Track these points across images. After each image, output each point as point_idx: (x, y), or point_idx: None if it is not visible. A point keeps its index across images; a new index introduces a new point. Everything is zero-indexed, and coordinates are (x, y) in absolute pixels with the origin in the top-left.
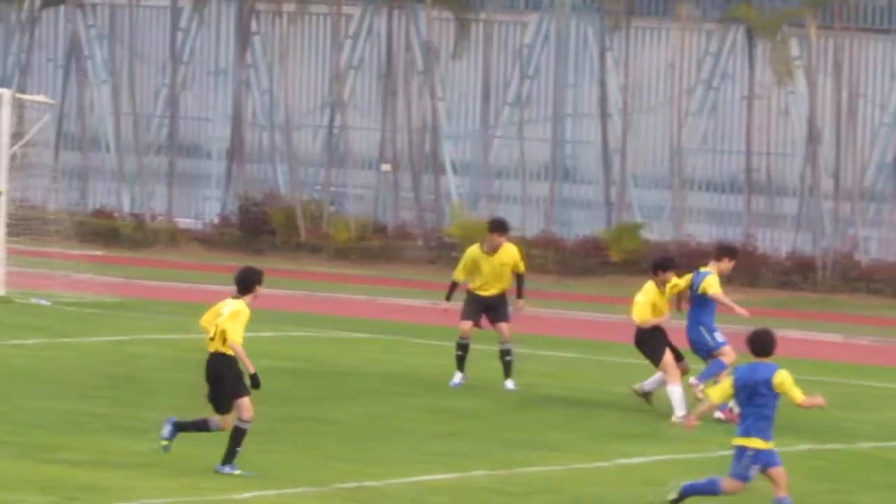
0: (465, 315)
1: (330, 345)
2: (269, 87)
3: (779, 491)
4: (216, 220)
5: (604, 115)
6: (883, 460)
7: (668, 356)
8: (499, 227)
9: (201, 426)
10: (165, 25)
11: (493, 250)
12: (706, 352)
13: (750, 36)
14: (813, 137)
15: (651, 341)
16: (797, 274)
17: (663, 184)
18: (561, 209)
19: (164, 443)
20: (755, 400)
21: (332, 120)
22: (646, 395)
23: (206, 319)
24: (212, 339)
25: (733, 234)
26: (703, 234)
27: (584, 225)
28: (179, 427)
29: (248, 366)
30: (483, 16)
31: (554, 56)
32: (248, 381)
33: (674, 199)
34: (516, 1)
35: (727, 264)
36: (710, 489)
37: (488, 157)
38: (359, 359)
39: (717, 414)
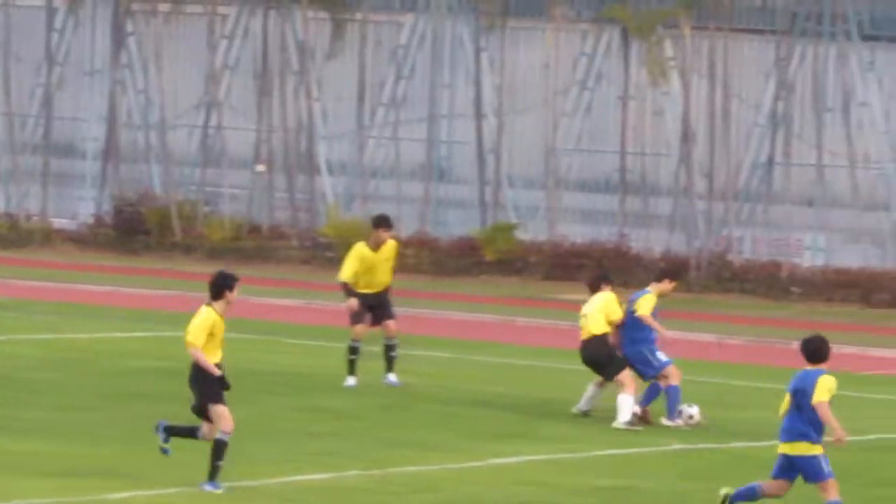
0: (356, 319)
1: None
2: (145, 87)
3: (828, 496)
4: (91, 221)
5: (479, 116)
6: (755, 459)
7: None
8: (384, 222)
9: (189, 433)
10: (40, 25)
11: (378, 246)
12: (650, 372)
13: (625, 36)
14: (687, 138)
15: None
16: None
17: (538, 184)
18: (435, 209)
19: (166, 446)
20: (804, 405)
21: (207, 120)
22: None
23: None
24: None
25: (607, 235)
26: (577, 234)
27: (458, 225)
28: (172, 431)
29: (210, 369)
30: (358, 16)
31: (429, 56)
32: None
33: (548, 199)
34: (391, 1)
35: (668, 286)
36: (751, 495)
37: (363, 158)
38: (234, 359)
39: (665, 421)
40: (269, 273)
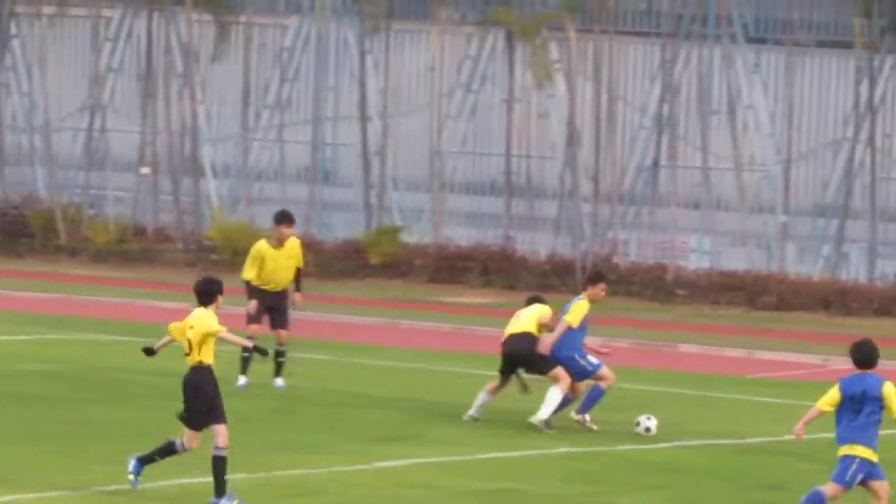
0: (253, 318)
1: (90, 347)
2: (29, 90)
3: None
4: None
5: (363, 118)
6: (641, 462)
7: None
8: (285, 218)
9: (167, 451)
10: None
11: (280, 243)
12: (584, 376)
13: (509, 39)
14: (572, 140)
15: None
16: (556, 276)
17: (423, 187)
18: (320, 212)
19: (131, 477)
20: (863, 410)
21: (91, 123)
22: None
23: (178, 334)
24: (187, 353)
25: (493, 237)
26: (463, 237)
27: (343, 228)
28: (145, 460)
29: (242, 342)
30: (243, 18)
31: (314, 59)
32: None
33: (433, 201)
34: (276, 4)
35: (599, 290)
36: (816, 500)
37: (248, 160)
38: (120, 361)
39: (575, 415)
40: (153, 276)
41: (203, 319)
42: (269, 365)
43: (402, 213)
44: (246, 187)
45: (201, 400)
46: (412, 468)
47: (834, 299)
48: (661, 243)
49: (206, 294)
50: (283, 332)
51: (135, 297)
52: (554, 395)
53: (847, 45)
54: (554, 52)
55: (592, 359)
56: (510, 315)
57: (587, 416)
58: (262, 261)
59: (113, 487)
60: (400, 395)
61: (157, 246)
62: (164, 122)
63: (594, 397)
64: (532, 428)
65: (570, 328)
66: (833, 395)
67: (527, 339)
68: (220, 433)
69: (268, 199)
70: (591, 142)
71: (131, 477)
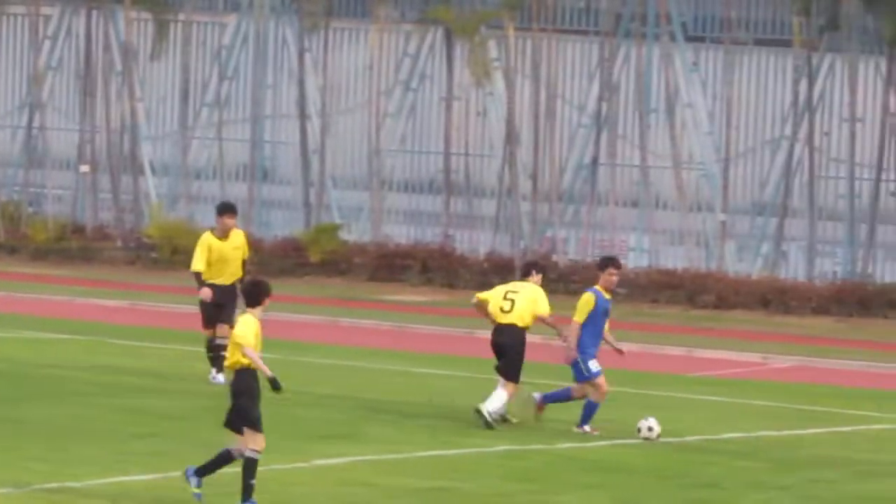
0: (206, 323)
1: (29, 345)
2: None
3: None
4: None
5: (302, 116)
6: (580, 461)
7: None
8: (228, 209)
9: (224, 459)
10: None
11: (224, 234)
12: (581, 379)
13: (448, 37)
14: (511, 138)
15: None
16: (495, 274)
17: (362, 185)
18: (259, 210)
19: (197, 491)
20: None
21: (30, 121)
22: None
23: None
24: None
25: (432, 235)
26: (402, 235)
27: (282, 226)
28: (203, 471)
29: (264, 370)
30: (182, 16)
31: (253, 57)
32: (269, 389)
33: (372, 200)
34: (215, 2)
35: (608, 276)
36: None
37: (187, 158)
38: (59, 359)
39: (576, 430)
40: (93, 274)
41: (240, 327)
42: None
43: (342, 212)
44: (185, 185)
45: (236, 403)
46: (351, 466)
47: (773, 298)
48: (600, 241)
49: (252, 296)
50: (225, 327)
51: (74, 294)
52: (499, 397)
53: (786, 44)
54: (493, 50)
55: (593, 365)
56: (451, 314)
57: (587, 427)
58: (208, 253)
59: (53, 485)
60: (339, 393)
61: (96, 244)
62: (102, 119)
63: (590, 409)
64: (478, 415)
65: (580, 326)
66: None
67: (516, 333)
68: (258, 437)
69: (207, 198)
70: (529, 140)
71: (197, 491)
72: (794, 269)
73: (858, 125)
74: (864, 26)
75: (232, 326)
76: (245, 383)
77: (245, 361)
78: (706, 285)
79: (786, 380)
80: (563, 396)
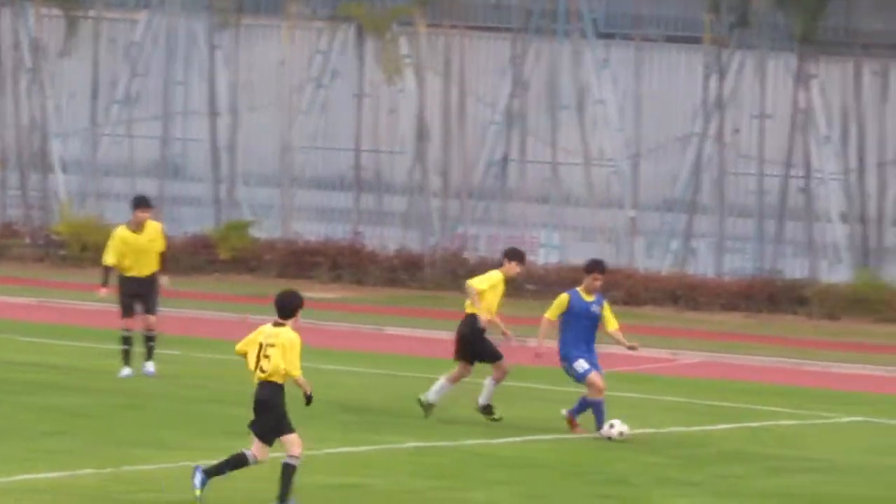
0: (124, 312)
1: None
2: None
3: None
4: None
5: (213, 113)
6: (490, 457)
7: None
8: (142, 202)
9: (237, 463)
10: None
11: (139, 227)
12: (575, 380)
13: (360, 34)
14: (422, 135)
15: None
16: (404, 271)
17: (273, 182)
18: (170, 207)
19: (198, 493)
20: None
21: None
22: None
23: (245, 347)
24: (261, 369)
25: (342, 232)
26: (312, 232)
27: (192, 222)
28: (211, 472)
29: (307, 389)
30: (92, 13)
31: (163, 54)
32: (304, 406)
33: (283, 196)
34: None
35: (592, 280)
36: None
37: (97, 155)
38: None
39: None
40: (1, 271)
41: (288, 348)
42: (137, 355)
43: (252, 209)
44: (95, 182)
45: (267, 416)
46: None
47: (682, 294)
48: (511, 238)
49: (286, 308)
50: (151, 318)
51: None
52: (441, 386)
53: (696, 41)
54: (404, 47)
55: (579, 366)
56: (360, 310)
57: (573, 417)
58: (123, 246)
59: None
60: (247, 389)
61: (4, 241)
62: (12, 116)
63: (582, 407)
64: (421, 404)
65: (549, 322)
66: None
67: (468, 321)
68: (293, 443)
69: (117, 195)
70: (440, 137)
71: (197, 493)
72: (703, 266)
73: (768, 121)
74: (774, 23)
75: (156, 316)
76: (280, 394)
77: (280, 380)
78: (616, 281)
79: (695, 375)
80: (583, 405)
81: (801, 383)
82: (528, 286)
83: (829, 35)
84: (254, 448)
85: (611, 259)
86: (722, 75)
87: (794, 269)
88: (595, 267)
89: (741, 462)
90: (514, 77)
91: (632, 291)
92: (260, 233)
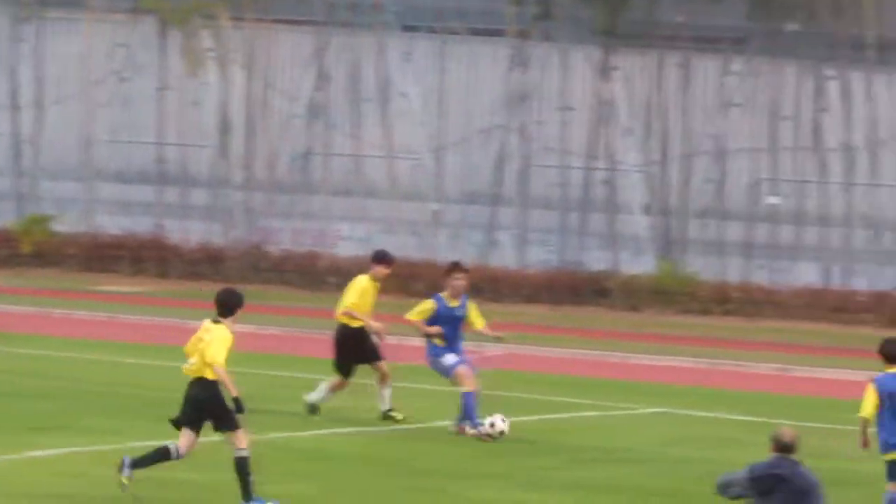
0: None
1: None
2: None
3: None
4: None
5: (14, 107)
6: (293, 450)
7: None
8: None
9: (161, 456)
10: None
11: None
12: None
13: (162, 27)
14: (225, 129)
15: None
16: (207, 264)
17: (75, 175)
18: None
19: (125, 481)
20: None
21: None
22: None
23: (190, 346)
24: (194, 364)
25: (145, 226)
26: (115, 225)
27: None
28: (136, 464)
29: (232, 389)
30: None
31: None
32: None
33: (85, 190)
34: None
35: (455, 280)
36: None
37: None
38: None
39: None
40: None
41: (216, 342)
42: None
43: (55, 202)
44: None
45: (197, 412)
46: (65, 457)
47: (485, 286)
48: (314, 231)
49: (225, 306)
50: None
51: None
52: (322, 387)
53: (499, 33)
54: (206, 40)
55: (447, 360)
56: (162, 303)
57: (466, 427)
58: None
59: None
60: (52, 384)
61: None
62: None
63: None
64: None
65: (409, 322)
66: (871, 397)
67: (339, 328)
68: (238, 437)
69: None
70: (243, 130)
71: (125, 481)
72: (506, 258)
73: (571, 114)
74: (577, 16)
75: None
76: (216, 391)
77: (206, 374)
78: (419, 273)
79: (497, 368)
80: (464, 406)
81: (603, 375)
82: (329, 279)
83: (632, 28)
84: (181, 443)
85: (414, 252)
86: (525, 68)
87: (597, 261)
88: (455, 267)
89: (544, 454)
90: (317, 70)
91: (434, 283)
92: (62, 227)
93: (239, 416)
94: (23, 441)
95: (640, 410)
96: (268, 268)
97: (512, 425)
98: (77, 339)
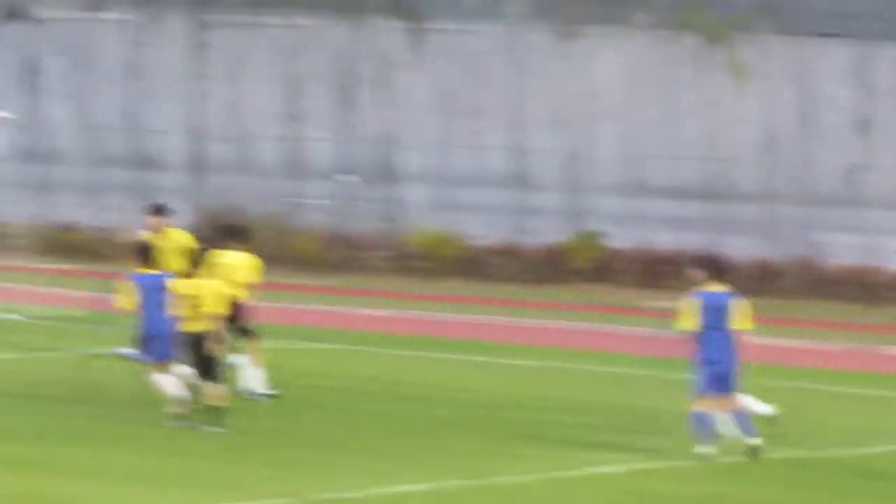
0: None
1: (306, 356)
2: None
3: None
4: None
5: (562, 123)
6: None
7: None
8: None
9: None
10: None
11: None
12: None
13: (704, 41)
14: (770, 142)
15: None
16: (759, 280)
17: (623, 191)
18: None
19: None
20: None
21: (291, 132)
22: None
23: None
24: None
25: (692, 242)
26: (665, 241)
27: None
28: None
29: None
30: None
31: None
32: None
33: (634, 206)
34: None
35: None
36: None
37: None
38: (340, 370)
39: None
40: (359, 283)
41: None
42: None
43: (605, 218)
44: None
45: None
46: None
47: None
48: (863, 245)
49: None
50: None
51: (343, 304)
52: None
53: None
54: (748, 53)
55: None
56: None
57: None
58: None
59: (327, 496)
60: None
61: (360, 253)
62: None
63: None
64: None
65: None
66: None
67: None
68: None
69: None
70: (788, 144)
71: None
72: None
73: None
74: None
75: None
76: None
77: None
78: None
79: None
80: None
81: None
82: (885, 293)
83: None
84: None
85: None
86: None
87: None
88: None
89: None
90: (860, 82)
91: None
92: (615, 242)
93: None
94: (582, 458)
95: None
96: (825, 281)
97: None
98: (624, 354)
